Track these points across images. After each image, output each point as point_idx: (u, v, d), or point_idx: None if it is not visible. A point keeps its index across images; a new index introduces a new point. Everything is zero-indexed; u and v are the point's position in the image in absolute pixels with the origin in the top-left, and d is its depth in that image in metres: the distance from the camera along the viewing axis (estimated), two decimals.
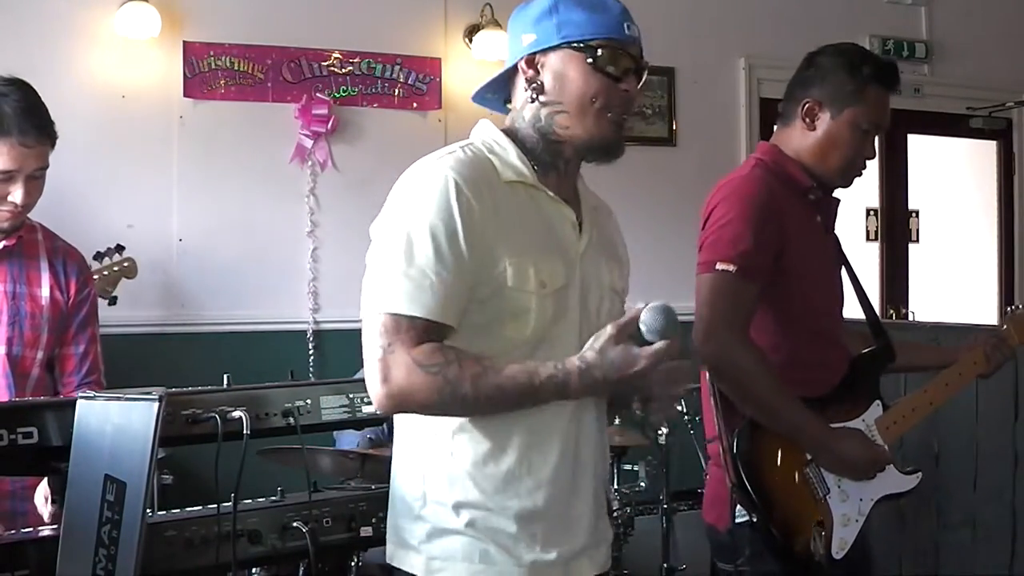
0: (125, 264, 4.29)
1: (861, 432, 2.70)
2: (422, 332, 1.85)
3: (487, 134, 2.04)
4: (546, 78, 1.99)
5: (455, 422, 1.91)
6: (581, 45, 1.97)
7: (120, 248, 4.29)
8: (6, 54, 4.50)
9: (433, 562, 1.92)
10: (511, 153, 1.99)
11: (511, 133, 2.03)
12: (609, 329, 1.87)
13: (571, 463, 1.97)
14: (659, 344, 1.85)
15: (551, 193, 1.99)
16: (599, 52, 1.96)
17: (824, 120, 2.73)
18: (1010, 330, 2.99)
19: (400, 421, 2.01)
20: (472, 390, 1.83)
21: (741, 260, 2.55)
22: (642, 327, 1.86)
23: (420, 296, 1.84)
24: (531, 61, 2.00)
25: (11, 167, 2.55)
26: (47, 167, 2.63)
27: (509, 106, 2.10)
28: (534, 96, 2.00)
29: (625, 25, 2.00)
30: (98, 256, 4.19)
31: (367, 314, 1.88)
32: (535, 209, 1.97)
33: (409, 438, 1.99)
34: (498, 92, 2.12)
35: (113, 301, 4.19)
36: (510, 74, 2.06)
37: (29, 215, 2.74)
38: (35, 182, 2.62)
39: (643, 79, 2.04)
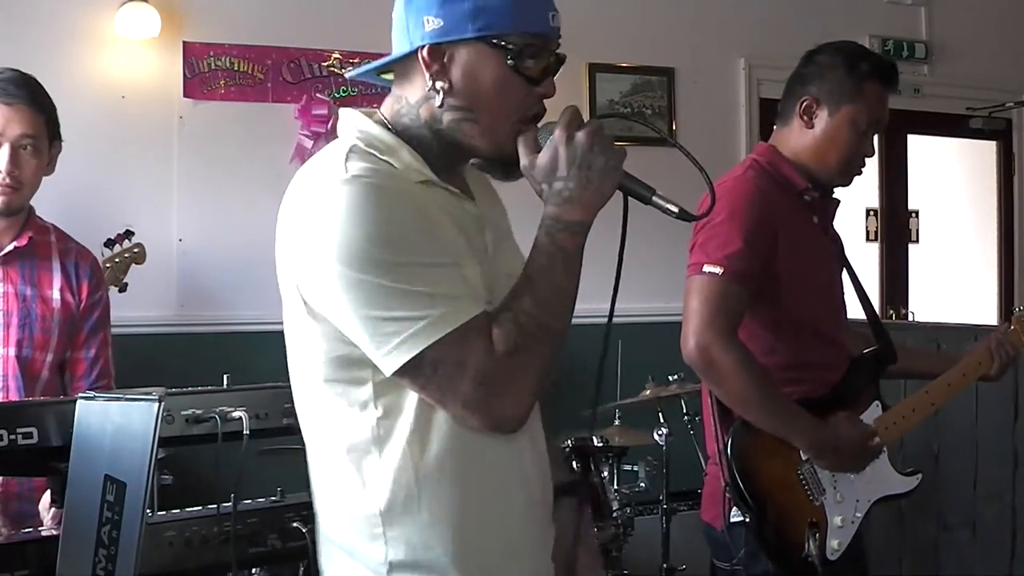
0: (135, 250, 4.30)
1: (847, 416, 2.69)
2: (484, 330, 1.57)
3: (363, 129, 1.69)
4: (455, 76, 1.65)
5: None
6: (501, 42, 1.63)
7: (129, 234, 4.29)
8: (6, 54, 4.49)
9: None
10: (403, 152, 1.67)
11: (396, 128, 1.70)
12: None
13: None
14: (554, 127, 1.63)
15: (453, 190, 1.71)
16: (520, 50, 1.63)
17: (822, 118, 2.73)
18: (1017, 330, 2.97)
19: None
20: (544, 313, 1.58)
21: (729, 263, 2.55)
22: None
23: (454, 302, 1.57)
24: (435, 51, 1.65)
25: None
26: (39, 141, 2.60)
27: (386, 77, 1.79)
28: (442, 99, 1.66)
29: (550, 15, 1.66)
30: (108, 243, 4.19)
31: (414, 361, 1.54)
32: (445, 210, 1.68)
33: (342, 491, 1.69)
34: (381, 68, 1.79)
35: (124, 288, 4.19)
36: (403, 58, 1.70)
37: (43, 217, 2.74)
38: (25, 156, 2.59)
39: (559, 70, 1.72)
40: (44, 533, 2.12)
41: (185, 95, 4.95)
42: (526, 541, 1.74)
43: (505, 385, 1.56)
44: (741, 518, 2.58)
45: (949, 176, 7.17)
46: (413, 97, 1.70)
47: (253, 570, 2.81)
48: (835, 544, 2.62)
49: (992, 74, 6.60)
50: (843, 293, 2.88)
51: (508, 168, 1.71)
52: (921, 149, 6.71)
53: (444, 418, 1.62)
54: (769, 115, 5.89)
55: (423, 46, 1.65)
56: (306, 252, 1.63)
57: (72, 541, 1.85)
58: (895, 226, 6.68)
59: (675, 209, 1.64)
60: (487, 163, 1.74)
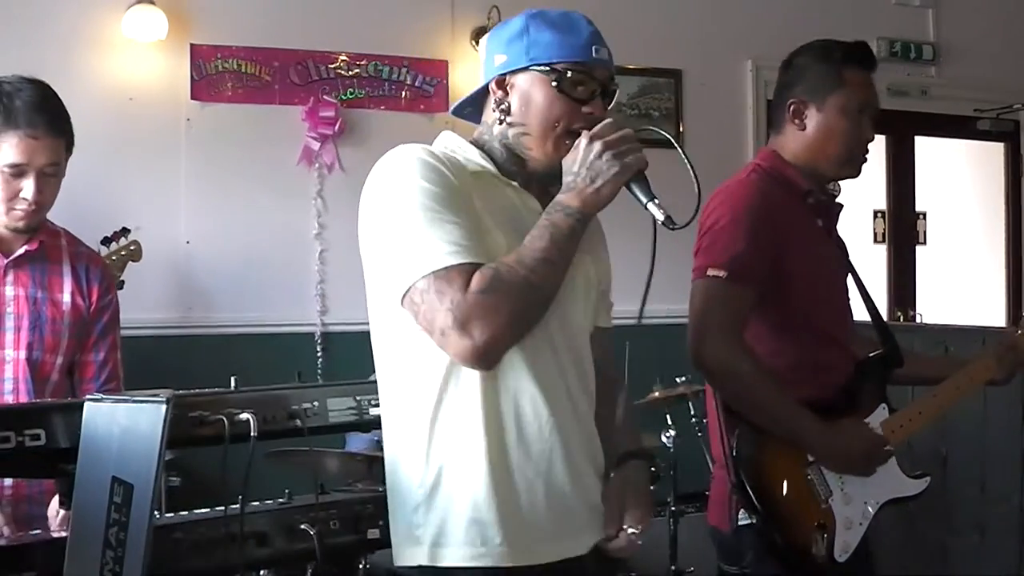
0: (132, 248, 4.30)
1: (858, 422, 2.69)
2: (468, 273, 1.86)
3: (449, 142, 2.10)
4: (513, 100, 2.04)
5: (445, 413, 1.95)
6: (547, 68, 2.01)
7: (126, 231, 4.29)
8: (14, 57, 4.51)
9: (437, 550, 1.94)
10: (473, 153, 2.06)
11: (477, 144, 2.10)
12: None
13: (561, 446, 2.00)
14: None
15: (513, 183, 2.06)
16: (566, 75, 2.00)
17: (812, 115, 2.74)
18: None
19: (394, 418, 2.04)
20: (521, 268, 1.87)
21: (732, 266, 2.55)
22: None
23: (454, 246, 1.86)
24: (501, 82, 2.05)
25: (20, 160, 2.54)
26: (60, 164, 2.62)
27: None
28: (502, 117, 2.05)
29: (593, 48, 2.02)
30: (106, 241, 4.19)
31: (409, 290, 1.88)
32: (502, 197, 2.03)
33: (402, 431, 2.02)
34: (475, 107, 2.16)
35: (120, 285, 4.20)
36: (483, 92, 2.11)
37: (53, 220, 2.74)
38: (48, 180, 2.60)
39: (612, 101, 2.07)
40: (51, 535, 2.12)
41: (192, 97, 4.96)
42: (550, 478, 1.99)
43: (474, 317, 1.84)
44: (748, 520, 2.58)
45: (957, 178, 7.16)
46: (489, 120, 2.11)
47: (260, 572, 2.81)
48: (843, 546, 2.62)
49: (1000, 75, 6.59)
50: (848, 296, 2.88)
51: (560, 176, 1.99)
52: (928, 151, 6.70)
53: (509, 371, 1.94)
54: None
55: (492, 79, 2.07)
56: (369, 208, 1.97)
57: (79, 543, 1.85)
58: (903, 228, 6.67)
59: (661, 217, 1.92)
60: (545, 175, 2.06)
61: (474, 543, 1.93)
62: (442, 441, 1.95)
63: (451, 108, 2.21)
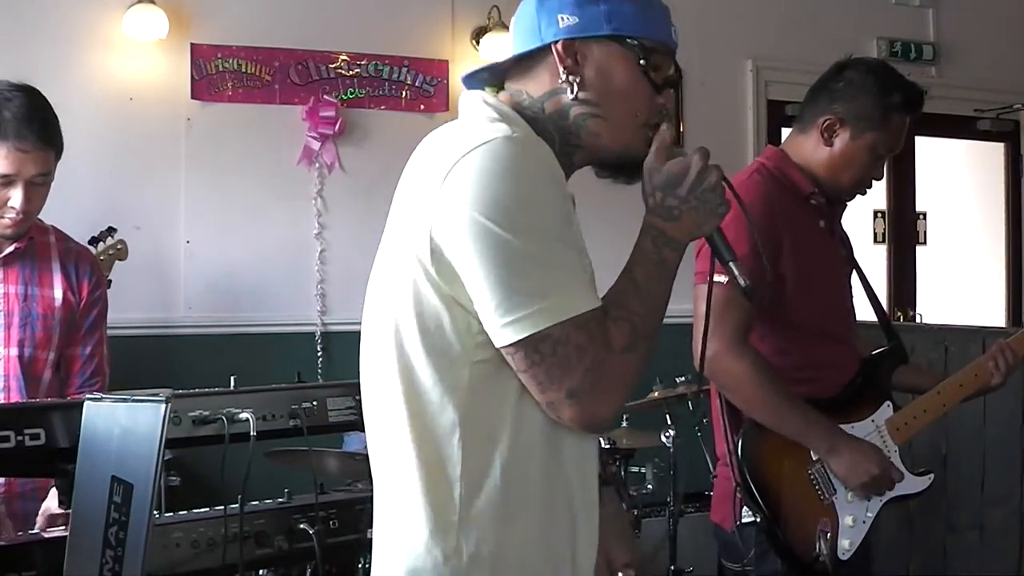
0: (118, 247, 4.29)
1: (878, 449, 2.68)
2: (604, 323, 1.56)
3: (500, 109, 1.68)
4: (588, 71, 1.68)
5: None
6: (635, 43, 1.68)
7: (112, 231, 4.29)
8: (14, 57, 4.51)
9: None
10: (545, 148, 1.65)
11: (527, 120, 1.70)
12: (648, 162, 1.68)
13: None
14: (693, 152, 1.68)
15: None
16: (651, 55, 1.68)
17: (843, 138, 2.72)
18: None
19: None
20: (651, 318, 1.60)
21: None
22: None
23: (587, 286, 1.57)
24: (569, 47, 1.68)
25: (8, 171, 2.55)
26: (49, 174, 2.62)
27: (492, 89, 1.78)
28: (574, 93, 1.68)
29: (672, 29, 1.73)
30: (93, 241, 4.19)
31: (534, 336, 1.50)
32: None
33: (419, 493, 1.59)
34: (496, 77, 1.79)
35: (108, 285, 4.20)
36: (530, 56, 1.72)
37: (42, 217, 2.75)
38: (36, 189, 2.61)
39: (676, 87, 1.83)
40: (51, 534, 2.12)
41: (193, 97, 4.95)
42: (585, 541, 1.69)
43: (611, 382, 1.55)
44: (752, 518, 2.58)
45: (957, 178, 7.16)
46: (537, 92, 1.71)
47: (260, 571, 2.81)
48: (846, 544, 2.62)
49: (1000, 75, 6.59)
50: (851, 296, 2.88)
51: (628, 170, 1.73)
52: (929, 151, 6.70)
53: (534, 414, 1.58)
54: (777, 117, 5.94)
55: (557, 41, 1.68)
56: (448, 206, 1.53)
57: (79, 542, 1.85)
58: (903, 228, 6.67)
59: (743, 283, 1.72)
60: (612, 165, 1.75)
61: None
62: (488, 510, 1.57)
63: (463, 75, 1.80)
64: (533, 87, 1.71)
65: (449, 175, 1.53)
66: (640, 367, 1.59)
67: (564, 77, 1.68)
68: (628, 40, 1.67)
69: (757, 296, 2.55)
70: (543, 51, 1.69)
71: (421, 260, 1.55)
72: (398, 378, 1.59)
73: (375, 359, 1.65)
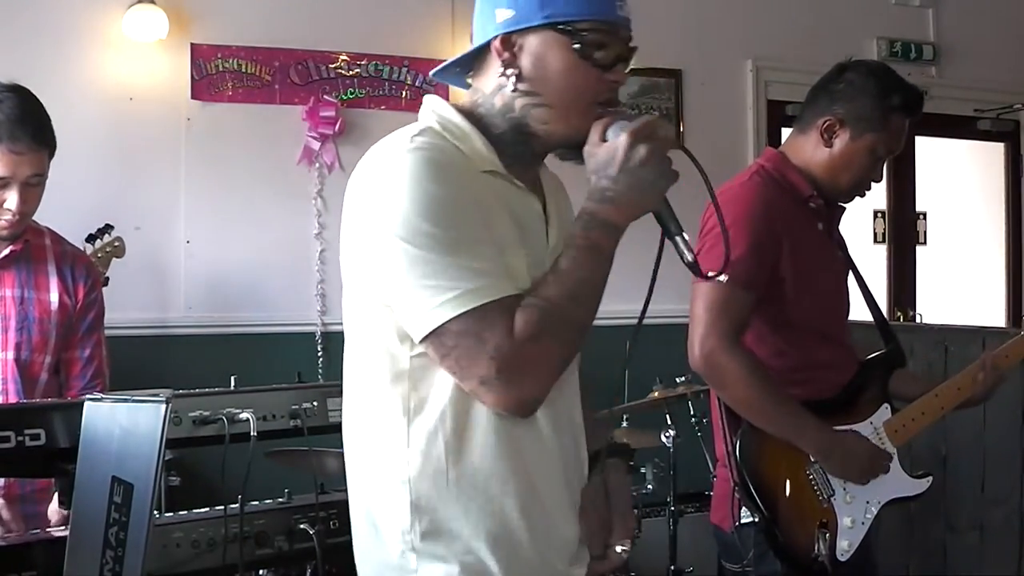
0: (115, 244, 4.29)
1: (863, 437, 2.69)
2: (509, 311, 1.60)
3: (441, 114, 1.76)
4: (525, 63, 1.72)
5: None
6: (568, 28, 1.70)
7: (109, 228, 4.29)
8: (14, 57, 4.51)
9: None
10: (475, 139, 1.74)
11: (472, 116, 1.77)
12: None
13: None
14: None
15: (519, 183, 1.77)
16: (588, 36, 1.70)
17: (843, 139, 2.72)
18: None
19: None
20: (571, 304, 1.63)
21: (733, 270, 2.55)
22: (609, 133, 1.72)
23: (486, 277, 1.60)
24: (507, 41, 1.72)
25: (4, 174, 2.55)
26: (43, 174, 2.63)
27: (470, 81, 1.85)
28: (514, 85, 1.73)
29: (617, 4, 1.74)
30: (90, 239, 4.19)
31: (437, 331, 1.59)
32: (504, 201, 1.74)
33: (383, 472, 1.72)
34: (463, 67, 1.84)
35: (106, 283, 4.20)
36: (479, 51, 1.78)
37: (37, 220, 2.75)
38: (31, 189, 2.61)
39: (630, 64, 1.79)
40: (51, 535, 2.12)
41: (193, 97, 4.95)
42: (555, 516, 1.77)
43: (522, 369, 1.60)
44: (751, 519, 2.59)
45: (957, 178, 7.16)
46: (488, 87, 1.77)
47: (260, 571, 2.81)
48: (845, 545, 2.62)
49: (1000, 75, 6.59)
50: (848, 298, 2.88)
51: (580, 152, 1.75)
52: (929, 151, 6.70)
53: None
54: (777, 117, 5.94)
55: (495, 36, 1.73)
56: (367, 219, 1.66)
57: (79, 542, 1.85)
58: (903, 228, 6.67)
59: (689, 258, 1.70)
60: (566, 148, 1.78)
61: None
62: (441, 487, 1.67)
63: (432, 71, 1.87)
64: (485, 83, 1.78)
65: (363, 194, 1.67)
66: (560, 351, 1.64)
67: (502, 71, 1.73)
68: (560, 26, 1.70)
69: (751, 288, 2.57)
70: (487, 47, 1.75)
71: (355, 270, 1.73)
72: (356, 370, 1.78)
73: (346, 355, 1.81)
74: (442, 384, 1.67)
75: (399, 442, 1.69)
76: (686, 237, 1.70)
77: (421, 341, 1.62)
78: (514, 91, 1.74)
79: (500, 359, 1.58)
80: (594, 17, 1.71)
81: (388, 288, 1.65)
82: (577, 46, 1.70)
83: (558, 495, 1.77)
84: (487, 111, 1.77)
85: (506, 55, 1.73)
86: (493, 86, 1.76)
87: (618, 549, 1.86)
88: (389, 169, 1.64)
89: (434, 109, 1.78)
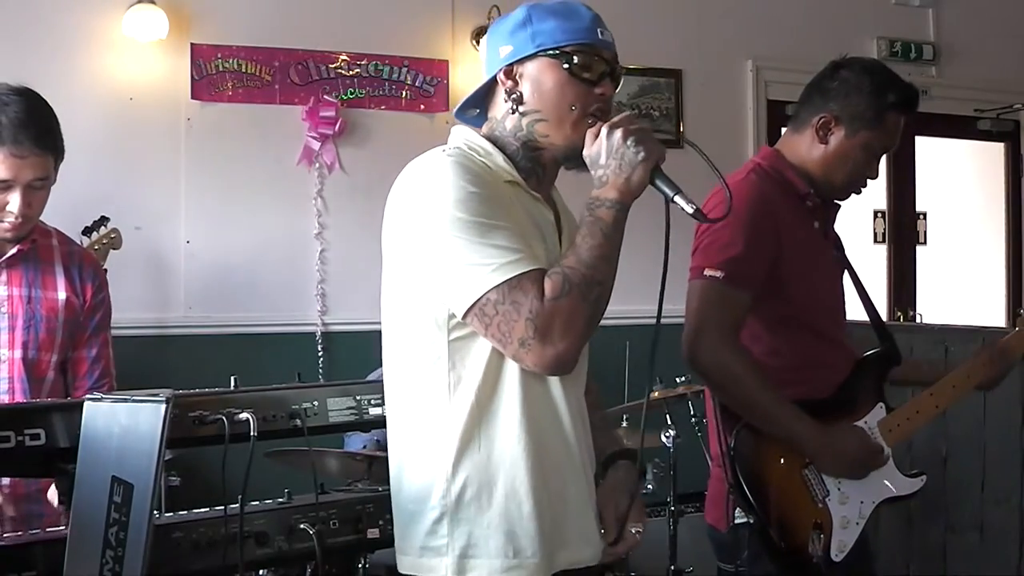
0: (112, 236, 4.29)
1: (856, 428, 2.69)
2: (539, 280, 1.85)
3: (467, 138, 2.08)
4: (524, 88, 2.04)
5: (469, 422, 1.94)
6: (556, 52, 2.00)
7: (105, 220, 4.29)
8: (14, 57, 4.52)
9: (466, 562, 1.94)
10: (497, 156, 2.03)
11: (491, 139, 2.07)
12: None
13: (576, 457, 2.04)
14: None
15: (535, 194, 2.05)
16: (574, 58, 2.00)
17: (838, 137, 2.72)
18: (1020, 333, 2.95)
19: (401, 422, 2.02)
20: (588, 268, 1.87)
21: (729, 266, 2.55)
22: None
23: (518, 253, 1.86)
24: (509, 72, 2.04)
25: (6, 176, 2.54)
26: (48, 178, 2.62)
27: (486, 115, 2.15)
28: (514, 107, 2.04)
29: (598, 31, 2.03)
30: (87, 231, 4.19)
31: (478, 303, 1.86)
32: (524, 206, 2.01)
33: (421, 440, 1.99)
34: (479, 107, 2.15)
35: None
36: (489, 87, 2.10)
37: (52, 220, 2.75)
38: (35, 193, 2.60)
39: (619, 83, 2.07)
40: (51, 534, 2.12)
41: (193, 97, 4.96)
42: (570, 487, 2.02)
43: (554, 325, 1.84)
44: (745, 519, 2.58)
45: (957, 178, 7.16)
46: (500, 114, 2.09)
47: (260, 571, 2.82)
48: (839, 545, 2.62)
49: (1000, 75, 6.60)
50: (844, 297, 2.88)
51: (580, 159, 2.01)
52: (929, 151, 6.70)
53: (509, 375, 1.94)
54: (777, 117, 5.94)
55: (500, 69, 2.05)
56: (411, 216, 1.94)
57: (79, 542, 1.85)
58: (903, 228, 6.67)
59: (690, 209, 1.90)
60: (566, 158, 2.06)
61: (507, 555, 1.94)
62: (475, 452, 1.94)
63: (454, 110, 2.20)
64: (498, 111, 2.10)
65: (406, 196, 1.96)
66: (586, 309, 1.87)
67: (507, 97, 2.05)
68: (550, 51, 2.01)
69: (747, 285, 2.57)
70: (495, 81, 2.08)
71: (398, 267, 1.99)
72: (397, 353, 2.02)
73: (386, 343, 2.05)
74: (475, 364, 1.93)
75: (441, 415, 1.95)
76: (683, 195, 1.90)
77: (464, 316, 1.88)
78: (520, 112, 2.04)
79: (535, 319, 1.83)
80: (579, 41, 2.01)
81: (433, 274, 1.91)
82: (566, 66, 2.00)
83: (570, 462, 2.02)
84: (501, 133, 2.07)
85: (509, 83, 2.05)
86: (504, 112, 2.07)
87: (633, 530, 2.09)
88: (428, 173, 1.93)
89: (463, 135, 2.10)
